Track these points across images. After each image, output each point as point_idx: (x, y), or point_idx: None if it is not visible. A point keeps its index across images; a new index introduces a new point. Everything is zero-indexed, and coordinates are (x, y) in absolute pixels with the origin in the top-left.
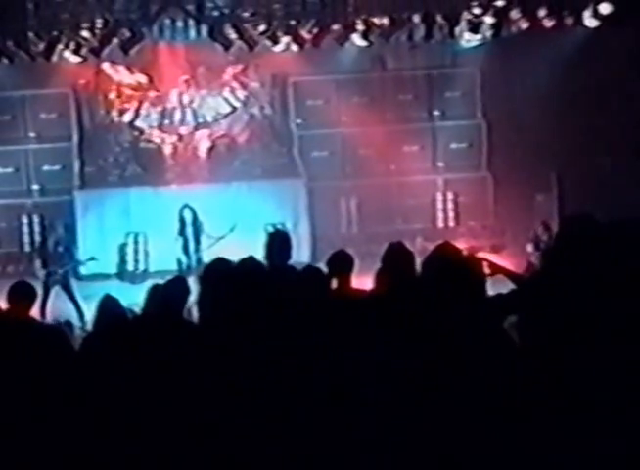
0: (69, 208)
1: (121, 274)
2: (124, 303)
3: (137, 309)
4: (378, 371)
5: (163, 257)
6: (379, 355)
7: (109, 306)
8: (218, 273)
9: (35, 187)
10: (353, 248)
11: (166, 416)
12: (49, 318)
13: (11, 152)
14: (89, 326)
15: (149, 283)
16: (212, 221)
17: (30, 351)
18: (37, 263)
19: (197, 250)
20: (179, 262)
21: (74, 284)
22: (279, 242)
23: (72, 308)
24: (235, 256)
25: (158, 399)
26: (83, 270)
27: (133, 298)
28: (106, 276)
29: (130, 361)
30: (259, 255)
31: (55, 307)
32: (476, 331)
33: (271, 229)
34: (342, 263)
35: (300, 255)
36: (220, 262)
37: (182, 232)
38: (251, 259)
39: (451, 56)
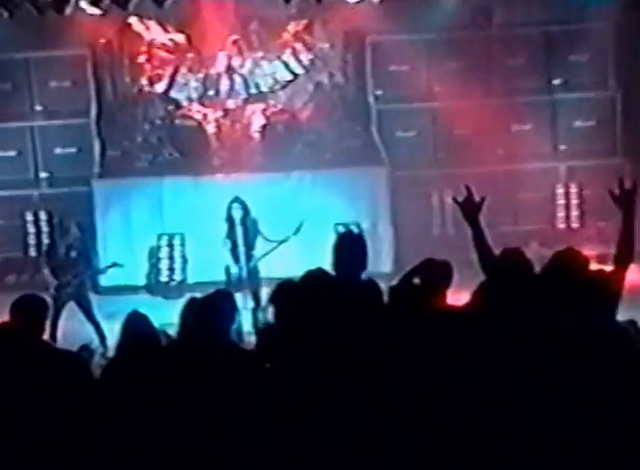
0: (86, 202)
1: (152, 287)
2: (156, 322)
3: (171, 331)
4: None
5: (206, 265)
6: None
7: (136, 327)
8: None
9: (43, 175)
10: (448, 255)
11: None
12: (60, 342)
13: (12, 130)
14: (111, 352)
15: (186, 298)
16: (269, 220)
17: (42, 383)
18: (45, 272)
19: (249, 256)
20: (227, 272)
21: (93, 299)
22: (352, 247)
23: (90, 330)
24: (297, 267)
25: (199, 443)
26: (104, 281)
27: (167, 316)
28: (132, 289)
29: (163, 397)
30: (327, 264)
31: (68, 328)
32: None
33: (342, 230)
34: (437, 275)
35: (380, 264)
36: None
37: (231, 234)
38: (318, 273)
39: (578, 8)
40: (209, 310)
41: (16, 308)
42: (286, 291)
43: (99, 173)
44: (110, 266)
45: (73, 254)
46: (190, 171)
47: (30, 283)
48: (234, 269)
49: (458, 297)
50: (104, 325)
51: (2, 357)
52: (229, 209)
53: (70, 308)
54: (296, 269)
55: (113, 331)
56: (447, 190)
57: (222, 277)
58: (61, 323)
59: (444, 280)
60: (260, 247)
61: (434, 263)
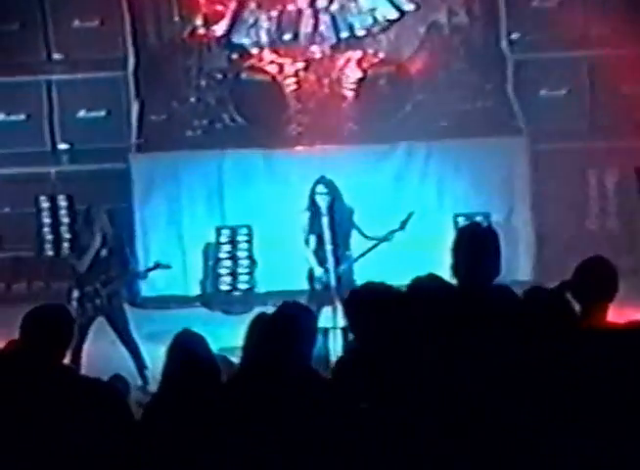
0: (121, 183)
1: (209, 298)
2: (214, 346)
3: (234, 358)
4: None
5: (281, 268)
6: None
7: (187, 352)
8: (371, 304)
9: (62, 147)
10: (609, 256)
11: None
12: (85, 371)
13: (21, 87)
14: (153, 386)
15: (254, 314)
16: (366, 209)
17: (63, 425)
18: (72, 280)
19: (340, 258)
20: (311, 278)
21: (129, 313)
22: (478, 246)
23: (125, 355)
24: (401, 272)
25: None
26: (144, 290)
27: (228, 338)
28: (182, 301)
29: (222, 445)
30: (443, 269)
31: (95, 353)
32: None
33: (465, 224)
34: (596, 285)
35: (515, 269)
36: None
37: (314, 227)
38: (430, 281)
39: None
40: (283, 330)
41: (28, 325)
42: (381, 302)
43: (137, 145)
44: (151, 269)
45: (103, 253)
46: (260, 143)
47: (46, 292)
48: (319, 275)
49: (622, 313)
50: (143, 349)
51: (9, 392)
52: (313, 193)
53: (99, 326)
54: (399, 275)
55: (156, 357)
56: (609, 169)
57: (303, 285)
58: (86, 346)
59: (606, 293)
60: (355, 245)
61: (593, 268)
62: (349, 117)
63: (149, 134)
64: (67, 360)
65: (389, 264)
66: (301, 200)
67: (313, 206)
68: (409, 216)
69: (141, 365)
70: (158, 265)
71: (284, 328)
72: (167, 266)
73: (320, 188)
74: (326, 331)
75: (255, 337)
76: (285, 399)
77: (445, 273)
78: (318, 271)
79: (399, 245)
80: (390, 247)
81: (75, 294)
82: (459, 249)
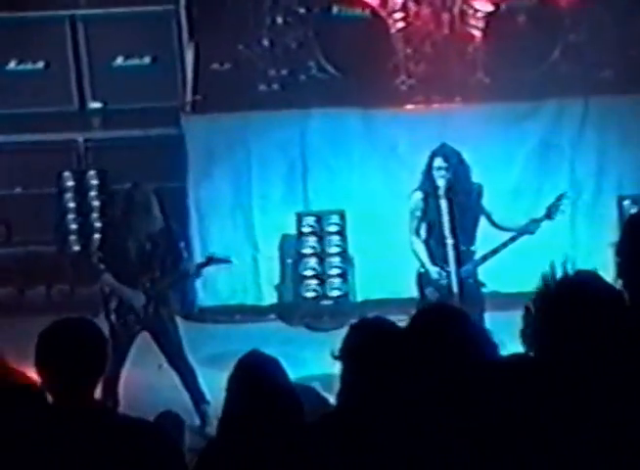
0: (170, 155)
1: (287, 308)
2: (293, 373)
3: (322, 390)
4: None
5: (385, 268)
6: None
7: (256, 382)
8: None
9: (93, 106)
10: None
11: None
12: (125, 406)
13: (38, 24)
14: (214, 426)
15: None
16: (499, 188)
17: None
18: (109, 283)
19: (463, 255)
20: (421, 282)
21: (182, 328)
22: None
23: (178, 384)
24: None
25: None
26: (202, 298)
27: (314, 362)
28: (252, 312)
29: None
30: (604, 272)
31: (137, 381)
32: None
33: (633, 208)
34: None
35: None
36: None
37: (429, 212)
38: (585, 279)
39: None
40: (385, 352)
41: (45, 346)
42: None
43: (193, 104)
44: (204, 264)
45: (148, 246)
46: (356, 100)
47: (70, 300)
48: (434, 277)
49: None
50: (201, 377)
51: (18, 443)
52: (428, 168)
53: (143, 346)
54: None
55: (218, 388)
56: None
57: (413, 291)
58: (125, 373)
59: None
60: (485, 238)
61: None
62: (477, 65)
63: (208, 89)
64: (99, 393)
65: (527, 264)
66: (412, 176)
67: (428, 184)
68: (559, 199)
69: (198, 399)
70: (211, 259)
71: (392, 344)
72: (226, 260)
73: (438, 161)
74: None
75: (354, 362)
76: (396, 446)
77: (607, 274)
78: (432, 273)
79: (541, 238)
80: (529, 241)
81: (113, 303)
82: (627, 244)
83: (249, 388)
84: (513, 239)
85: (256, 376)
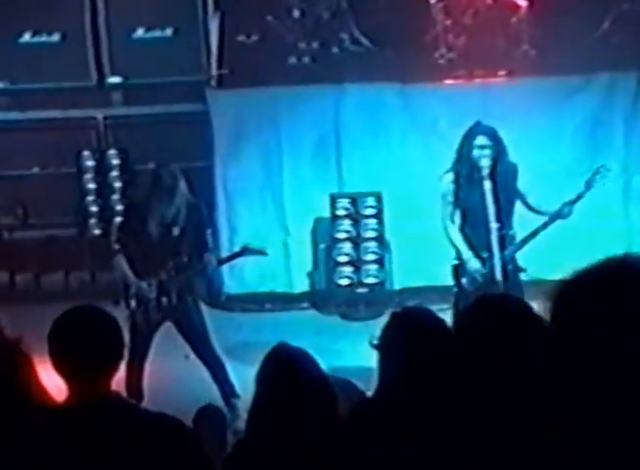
0: (196, 132)
1: (321, 296)
2: (327, 364)
3: (360, 382)
4: None
5: (424, 254)
6: None
7: (289, 374)
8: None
9: (113, 80)
10: None
11: None
12: (148, 400)
13: None
14: (243, 419)
15: (386, 318)
16: (542, 172)
17: None
18: (118, 266)
19: (505, 240)
20: (458, 270)
21: (208, 317)
22: None
23: (205, 376)
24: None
25: None
26: (229, 285)
27: (348, 353)
28: (283, 300)
29: None
30: None
31: (161, 374)
32: None
33: None
34: None
35: None
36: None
37: (466, 196)
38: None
39: None
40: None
41: (59, 336)
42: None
43: (219, 78)
44: (237, 254)
45: (175, 232)
46: (393, 74)
47: (90, 287)
48: (473, 264)
49: None
50: (230, 368)
51: (29, 444)
52: (469, 147)
53: (167, 335)
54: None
55: (248, 380)
56: None
57: (448, 279)
58: (149, 364)
59: None
60: (524, 222)
61: None
62: (522, 36)
63: (235, 63)
64: (122, 387)
65: (564, 249)
66: (449, 155)
67: (463, 165)
68: (597, 173)
69: (227, 392)
70: (246, 249)
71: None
72: (261, 252)
73: (481, 140)
74: None
75: (394, 351)
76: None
77: None
78: (472, 260)
79: (592, 222)
80: (579, 225)
81: (134, 289)
82: None
83: (280, 381)
84: (545, 225)
85: (288, 368)
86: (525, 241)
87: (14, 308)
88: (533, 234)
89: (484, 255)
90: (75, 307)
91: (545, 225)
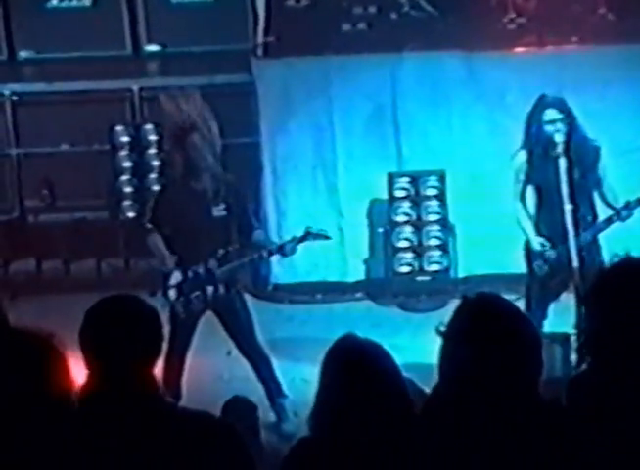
0: (240, 105)
1: (378, 285)
2: (398, 357)
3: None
4: None
5: (492, 239)
6: None
7: (362, 370)
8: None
9: (150, 49)
10: None
11: None
12: (188, 397)
13: None
14: (295, 424)
15: (450, 309)
16: (626, 146)
17: None
18: (158, 251)
19: (580, 225)
20: (529, 255)
21: (253, 307)
22: None
23: (250, 373)
24: None
25: None
26: (278, 273)
27: (408, 348)
28: (336, 289)
29: None
30: None
31: (203, 369)
32: None
33: None
34: None
35: None
36: None
37: (536, 173)
38: None
39: None
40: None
41: (92, 328)
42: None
43: (265, 46)
44: (301, 239)
45: (217, 212)
46: (457, 41)
47: (125, 275)
48: (546, 249)
49: None
50: (277, 365)
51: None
52: (539, 121)
53: (208, 328)
54: None
55: (296, 379)
56: None
57: (522, 267)
58: (188, 360)
59: None
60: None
61: None
62: (600, 0)
63: (283, 30)
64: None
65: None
66: (517, 131)
67: (534, 141)
68: None
69: (274, 391)
70: (308, 234)
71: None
72: (324, 236)
73: (551, 113)
74: (567, 339)
75: (465, 345)
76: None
77: None
78: (536, 244)
79: None
80: None
81: (175, 278)
82: None
83: (351, 374)
84: (607, 222)
85: (362, 363)
86: (605, 224)
87: (41, 299)
88: (611, 220)
89: (558, 238)
90: (110, 297)
91: (607, 223)
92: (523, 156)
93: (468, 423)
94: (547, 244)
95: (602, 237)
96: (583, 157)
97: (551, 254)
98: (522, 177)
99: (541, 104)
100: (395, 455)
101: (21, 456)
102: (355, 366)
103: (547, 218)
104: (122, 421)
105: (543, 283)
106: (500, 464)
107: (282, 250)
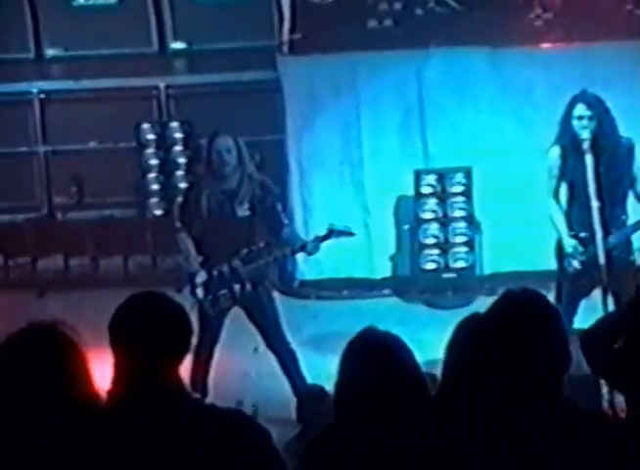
0: (266, 102)
1: (404, 282)
2: (424, 354)
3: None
4: None
5: (518, 236)
6: None
7: (382, 361)
8: None
9: (176, 46)
10: None
11: None
12: (215, 394)
13: None
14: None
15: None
16: None
17: None
18: (185, 250)
19: (610, 221)
20: (561, 252)
21: (279, 304)
22: None
23: (276, 370)
24: None
25: None
26: (303, 270)
27: (434, 345)
28: (362, 286)
29: None
30: None
31: (229, 367)
32: None
33: None
34: None
35: None
36: None
37: (569, 170)
38: None
39: None
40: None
41: (121, 325)
42: None
43: (291, 43)
44: (324, 237)
45: (241, 212)
46: (483, 37)
47: (152, 272)
48: (574, 246)
49: None
50: (303, 361)
51: (99, 423)
52: (568, 117)
53: (234, 325)
54: None
55: (321, 374)
56: None
57: (552, 263)
58: (215, 357)
59: None
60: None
61: None
62: None
63: (309, 26)
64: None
65: None
66: (550, 126)
67: (568, 137)
68: None
69: (300, 387)
70: (332, 232)
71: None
72: (349, 233)
73: (580, 109)
74: None
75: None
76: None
77: None
78: (568, 242)
79: None
80: None
81: (201, 277)
82: None
83: (370, 366)
84: (637, 225)
85: (379, 353)
86: (633, 228)
87: (68, 295)
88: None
89: (585, 236)
90: (140, 294)
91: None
92: (556, 151)
93: (487, 412)
94: (579, 244)
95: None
96: (616, 155)
97: (582, 252)
98: (555, 173)
99: (575, 99)
100: (412, 444)
101: (45, 453)
102: (374, 357)
103: (578, 216)
104: (152, 418)
105: (574, 281)
106: (517, 456)
107: (305, 249)
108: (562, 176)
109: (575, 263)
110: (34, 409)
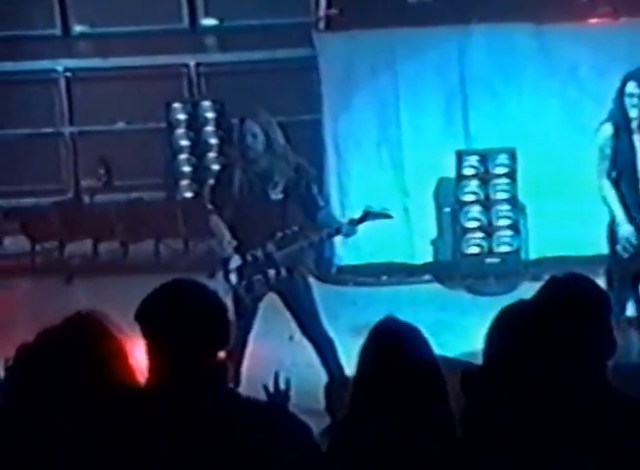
0: (302, 81)
1: (445, 267)
2: (451, 345)
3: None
4: None
5: (566, 220)
6: None
7: (395, 352)
8: None
9: (207, 23)
10: None
11: None
12: (248, 383)
13: None
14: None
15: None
16: None
17: None
18: (219, 233)
19: None
20: (613, 236)
21: (316, 290)
22: None
23: (313, 359)
24: None
25: None
26: (341, 255)
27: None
28: (402, 272)
29: None
30: None
31: (264, 356)
32: None
33: None
34: None
35: None
36: None
37: (622, 151)
38: None
39: None
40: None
41: (152, 316)
42: None
43: (327, 19)
44: (360, 220)
45: (274, 195)
46: (528, 12)
47: (183, 257)
48: (626, 228)
49: None
50: (341, 350)
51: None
52: (620, 95)
53: (269, 312)
54: None
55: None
56: None
57: (602, 248)
58: (250, 342)
59: None
60: None
61: None
62: None
63: (346, 1)
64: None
65: None
66: (597, 105)
67: (619, 115)
68: None
69: (331, 366)
70: (368, 214)
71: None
72: (386, 215)
73: (631, 87)
74: None
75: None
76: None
77: None
78: (622, 224)
79: None
80: None
81: (235, 262)
82: None
83: (384, 358)
84: None
85: (393, 345)
86: None
87: (97, 281)
88: None
89: (637, 217)
90: (172, 281)
91: None
92: (608, 129)
93: (530, 399)
94: (630, 224)
95: None
96: None
97: (632, 234)
98: (607, 152)
99: (628, 76)
100: (428, 436)
101: (82, 442)
102: (386, 348)
103: (629, 196)
104: (187, 410)
105: (627, 266)
106: (563, 443)
107: (340, 232)
108: (614, 156)
109: (631, 248)
110: (77, 402)
